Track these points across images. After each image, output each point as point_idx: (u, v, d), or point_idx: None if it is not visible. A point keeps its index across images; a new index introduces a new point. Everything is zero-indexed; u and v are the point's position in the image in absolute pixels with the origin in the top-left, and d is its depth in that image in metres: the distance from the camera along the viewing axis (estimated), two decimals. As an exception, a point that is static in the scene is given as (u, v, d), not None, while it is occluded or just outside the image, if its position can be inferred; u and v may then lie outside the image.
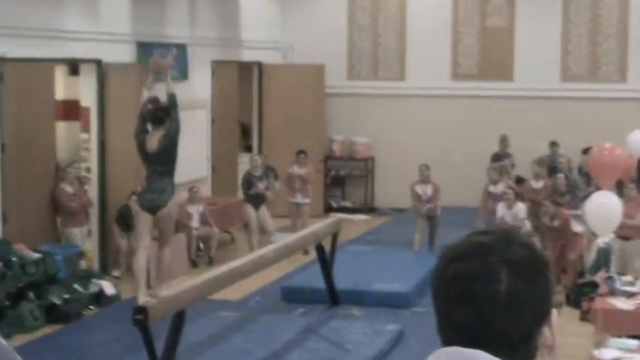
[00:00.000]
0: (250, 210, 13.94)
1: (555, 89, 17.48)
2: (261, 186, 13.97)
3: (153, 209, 9.55)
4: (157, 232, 10.45)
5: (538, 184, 13.98)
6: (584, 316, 10.77)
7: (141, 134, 9.71)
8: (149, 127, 9.76)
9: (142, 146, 9.67)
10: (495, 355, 1.69)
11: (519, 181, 15.07)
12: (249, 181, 14.06)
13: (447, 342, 1.74)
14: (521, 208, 12.82)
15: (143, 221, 9.71)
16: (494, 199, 13.37)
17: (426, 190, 13.85)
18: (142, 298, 8.75)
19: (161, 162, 9.63)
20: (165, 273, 10.17)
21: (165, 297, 7.89)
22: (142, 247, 9.83)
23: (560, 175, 13.77)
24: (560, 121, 17.09)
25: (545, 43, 17.48)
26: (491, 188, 13.64)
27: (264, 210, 14.04)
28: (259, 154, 15.12)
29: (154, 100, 9.79)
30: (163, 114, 9.67)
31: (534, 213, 13.22)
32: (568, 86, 17.47)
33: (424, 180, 13.92)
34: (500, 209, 12.81)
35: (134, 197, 11.48)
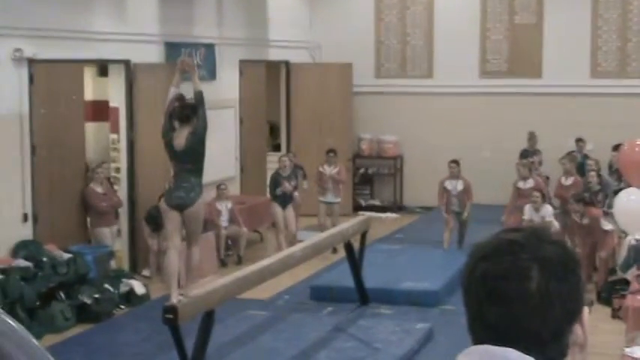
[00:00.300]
0: (277, 209, 13.93)
1: (585, 85, 17.36)
2: (288, 186, 13.94)
3: (181, 207, 9.54)
4: (184, 231, 10.46)
5: (568, 181, 13.91)
6: (616, 314, 10.70)
7: (168, 132, 9.70)
8: (176, 124, 9.74)
9: (169, 144, 9.64)
10: (526, 353, 1.68)
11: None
12: (276, 181, 14.05)
13: (478, 340, 1.73)
14: (548, 209, 12.77)
15: (172, 220, 9.71)
16: (521, 196, 13.29)
17: (456, 186, 13.79)
18: (176, 298, 8.76)
19: (189, 160, 9.61)
20: (194, 272, 10.18)
21: (195, 296, 7.92)
22: (172, 246, 9.83)
23: (592, 174, 13.68)
24: (589, 117, 16.96)
25: (574, 39, 17.36)
26: (520, 184, 13.56)
27: (290, 209, 14.02)
28: (287, 154, 15.11)
29: (180, 98, 9.75)
30: (190, 111, 9.64)
31: (564, 210, 13.16)
32: (598, 82, 17.34)
33: (454, 176, 13.87)
34: (528, 211, 12.75)
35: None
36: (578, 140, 16.25)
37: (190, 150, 9.54)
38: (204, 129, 9.70)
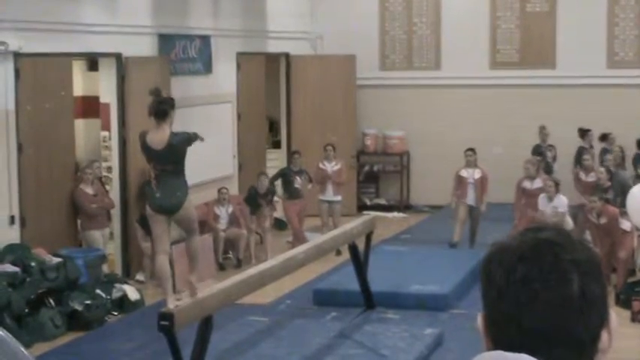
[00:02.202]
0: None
1: (601, 76, 17.34)
2: (263, 203, 14.36)
3: (167, 210, 9.47)
4: (179, 230, 10.39)
5: (589, 178, 13.85)
6: (635, 317, 10.70)
7: (143, 133, 9.52)
8: (152, 120, 9.54)
9: (145, 144, 9.46)
10: (564, 357, 1.69)
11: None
12: (254, 199, 14.39)
13: (509, 346, 1.72)
14: (562, 200, 12.71)
15: (159, 224, 9.62)
16: (528, 197, 13.16)
17: (472, 174, 13.80)
18: (172, 304, 8.74)
19: (169, 161, 9.44)
20: (197, 259, 10.11)
21: (193, 301, 7.92)
22: (161, 251, 9.77)
23: (602, 170, 13.65)
24: (607, 110, 16.94)
25: (590, 27, 17.34)
26: (527, 184, 13.33)
27: (264, 211, 14.41)
28: (293, 155, 15.17)
29: (156, 92, 9.58)
30: (167, 106, 9.46)
31: (579, 207, 13.11)
32: (615, 73, 17.33)
33: (470, 164, 13.89)
34: (541, 202, 12.73)
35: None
36: (584, 132, 16.17)
37: (172, 150, 9.37)
38: (189, 142, 9.53)
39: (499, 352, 1.71)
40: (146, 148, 9.37)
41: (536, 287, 1.70)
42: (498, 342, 1.74)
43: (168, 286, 10.00)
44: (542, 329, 1.70)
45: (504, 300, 1.73)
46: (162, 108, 9.38)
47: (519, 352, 1.70)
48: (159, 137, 9.31)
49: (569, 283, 1.70)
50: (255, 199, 14.37)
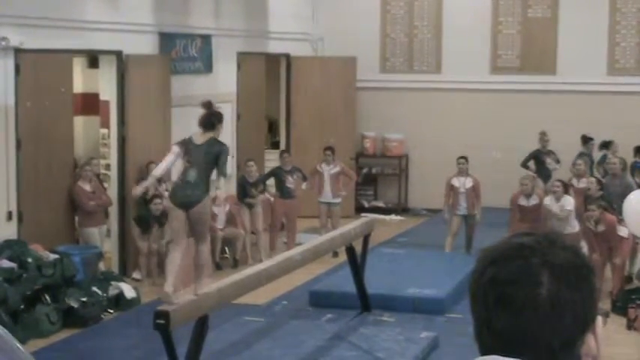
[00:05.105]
0: (245, 211, 14.37)
1: (601, 83, 17.35)
2: (255, 192, 14.35)
3: (186, 205, 9.50)
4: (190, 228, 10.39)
5: (581, 184, 13.86)
6: (631, 325, 10.70)
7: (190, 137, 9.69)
8: (199, 129, 9.71)
9: (189, 139, 9.55)
10: None
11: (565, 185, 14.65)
12: (244, 189, 14.38)
13: (486, 349, 1.74)
14: (568, 200, 12.69)
15: (177, 219, 9.64)
16: (524, 213, 13.11)
17: (464, 183, 13.76)
18: (169, 289, 8.70)
19: (202, 156, 9.52)
20: (203, 270, 10.11)
21: (189, 301, 7.93)
22: (178, 244, 9.74)
23: (592, 180, 13.66)
24: (607, 117, 16.95)
25: (591, 34, 17.35)
26: (523, 202, 13.21)
27: (257, 209, 14.42)
28: (282, 154, 15.14)
29: (208, 105, 9.73)
30: (215, 119, 9.62)
31: (579, 215, 13.11)
32: (615, 80, 17.34)
33: (462, 173, 13.85)
34: (549, 202, 12.70)
35: (166, 192, 11.50)
36: (585, 139, 16.19)
37: (208, 150, 9.45)
38: (220, 155, 9.61)
39: (493, 357, 1.71)
40: (189, 143, 9.44)
41: (503, 289, 1.71)
42: (480, 346, 1.76)
43: (170, 277, 9.98)
44: (511, 332, 1.71)
45: (476, 302, 1.76)
46: (211, 120, 9.57)
47: (496, 354, 1.71)
48: (202, 138, 9.46)
49: (537, 286, 1.70)
50: (245, 189, 14.36)
